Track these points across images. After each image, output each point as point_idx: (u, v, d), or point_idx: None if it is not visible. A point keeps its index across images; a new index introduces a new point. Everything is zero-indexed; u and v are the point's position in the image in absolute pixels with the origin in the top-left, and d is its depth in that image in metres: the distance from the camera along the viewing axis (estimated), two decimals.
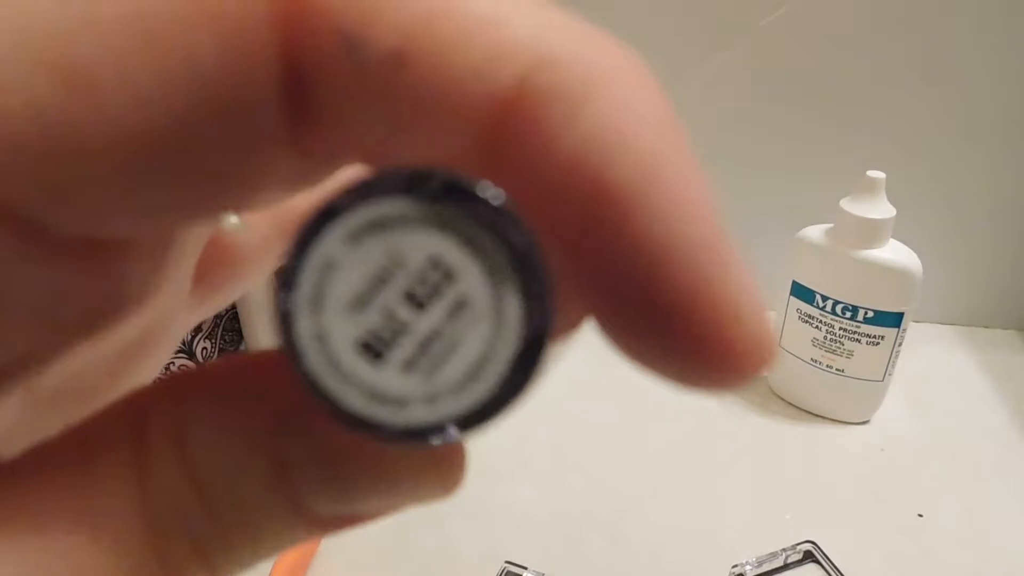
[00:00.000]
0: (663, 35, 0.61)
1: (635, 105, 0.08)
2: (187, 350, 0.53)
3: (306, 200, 0.12)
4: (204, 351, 0.54)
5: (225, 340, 0.57)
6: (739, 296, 0.08)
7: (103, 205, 0.08)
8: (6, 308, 0.08)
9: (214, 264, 0.14)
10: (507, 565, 0.42)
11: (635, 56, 0.08)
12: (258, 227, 0.15)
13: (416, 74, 0.07)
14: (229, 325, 0.57)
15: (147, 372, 0.14)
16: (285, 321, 0.08)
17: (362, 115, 0.08)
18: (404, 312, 0.08)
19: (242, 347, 0.58)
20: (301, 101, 0.08)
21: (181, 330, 0.14)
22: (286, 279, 0.08)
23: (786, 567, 0.44)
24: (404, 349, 0.08)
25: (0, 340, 0.09)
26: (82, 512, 0.08)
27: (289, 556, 0.42)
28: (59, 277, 0.08)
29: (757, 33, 0.60)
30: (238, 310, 0.55)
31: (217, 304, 0.15)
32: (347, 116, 0.08)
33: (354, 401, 0.08)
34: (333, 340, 0.08)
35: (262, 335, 0.55)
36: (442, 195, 0.08)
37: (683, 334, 0.08)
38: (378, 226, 0.08)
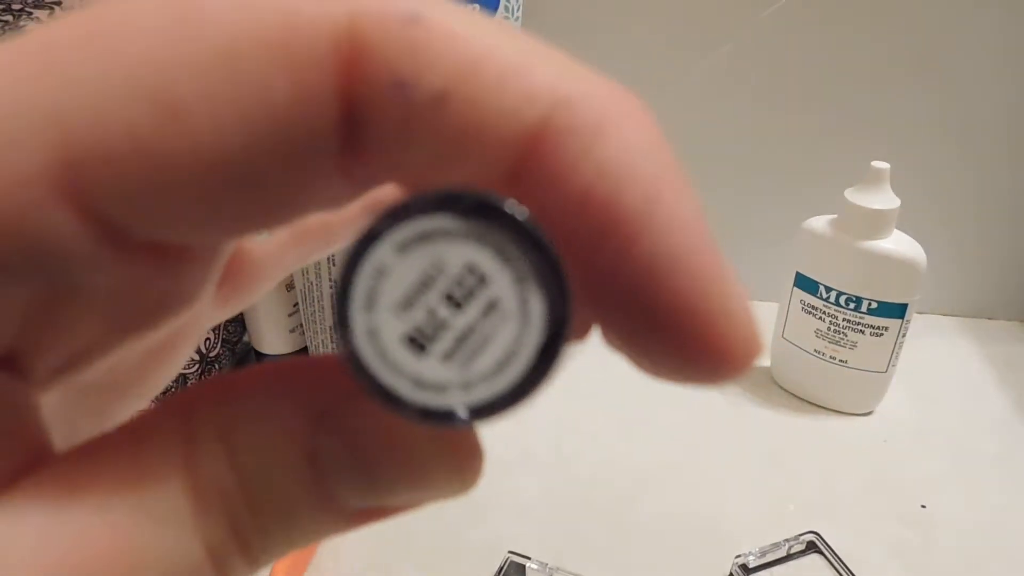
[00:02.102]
0: (668, 27, 0.61)
1: (638, 140, 0.09)
2: None
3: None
4: (208, 341, 0.54)
5: (228, 331, 0.57)
6: (731, 298, 0.09)
7: (179, 215, 0.09)
8: (86, 299, 0.10)
9: (237, 269, 0.15)
10: (511, 555, 0.42)
11: (637, 98, 0.10)
12: (277, 235, 0.16)
13: (456, 113, 0.09)
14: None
15: (171, 370, 0.15)
16: (342, 318, 0.09)
17: (407, 146, 0.09)
18: (444, 311, 0.09)
19: (245, 337, 0.59)
20: (353, 133, 0.09)
21: (203, 331, 0.15)
22: (344, 283, 0.09)
23: (789, 558, 0.44)
24: (444, 343, 0.09)
25: (73, 330, 0.10)
26: (134, 497, 0.09)
27: None
28: (131, 275, 0.10)
29: (761, 24, 0.60)
30: None
31: (238, 306, 0.16)
32: (394, 147, 0.09)
33: (401, 388, 0.09)
34: (383, 335, 0.09)
35: (264, 326, 0.55)
36: (478, 212, 0.09)
37: (684, 333, 0.09)
38: (423, 238, 0.09)
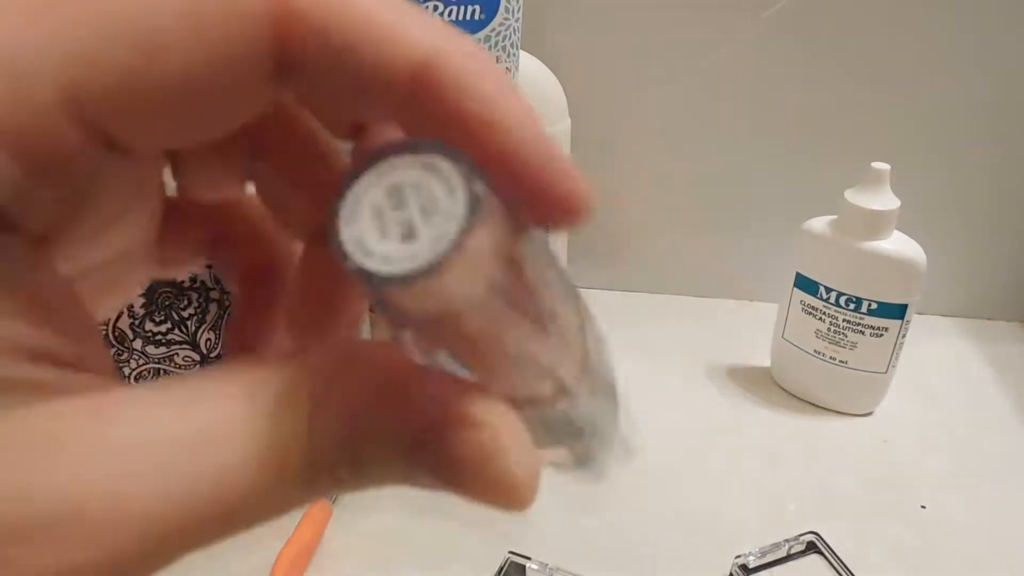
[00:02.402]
0: (668, 27, 0.61)
1: (489, 74, 0.13)
2: (191, 341, 0.53)
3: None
4: (208, 342, 0.54)
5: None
6: (562, 163, 0.13)
7: (155, 129, 0.13)
8: (92, 193, 0.13)
9: (178, 236, 0.19)
10: (511, 555, 0.42)
11: (480, 46, 0.14)
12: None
13: (358, 58, 0.13)
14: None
15: (121, 296, 0.18)
16: (336, 236, 0.12)
17: (327, 79, 0.13)
18: (399, 209, 0.12)
19: None
20: (285, 69, 0.13)
21: (144, 277, 0.19)
22: (335, 212, 0.12)
23: (789, 558, 0.44)
24: (408, 222, 0.12)
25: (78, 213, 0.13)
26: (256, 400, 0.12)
27: (292, 547, 0.42)
28: (119, 170, 0.13)
29: (761, 24, 0.60)
30: None
31: (177, 271, 0.20)
32: (315, 79, 0.13)
33: (394, 264, 0.12)
34: (366, 239, 0.12)
35: None
36: (406, 149, 0.12)
37: (536, 187, 0.13)
38: (387, 176, 0.12)
